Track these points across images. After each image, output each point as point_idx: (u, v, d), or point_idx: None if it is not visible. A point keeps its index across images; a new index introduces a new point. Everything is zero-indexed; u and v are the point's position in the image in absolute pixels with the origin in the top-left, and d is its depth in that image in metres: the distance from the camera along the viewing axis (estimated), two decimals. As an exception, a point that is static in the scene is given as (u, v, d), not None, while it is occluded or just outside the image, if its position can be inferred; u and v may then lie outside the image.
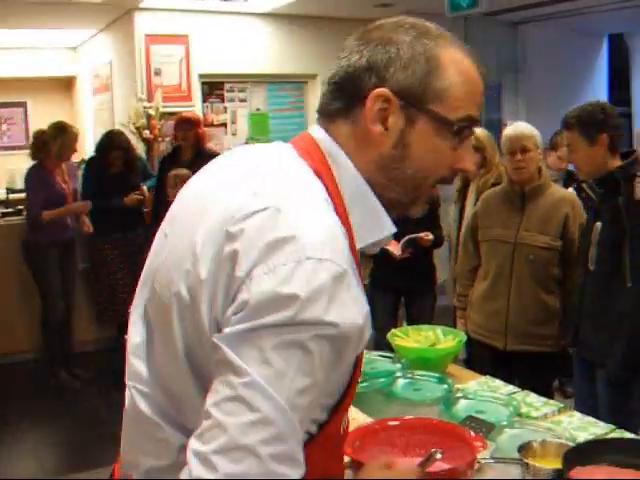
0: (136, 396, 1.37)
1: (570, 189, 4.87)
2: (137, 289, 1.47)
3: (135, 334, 1.41)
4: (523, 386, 2.94)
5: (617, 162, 3.40)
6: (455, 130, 1.33)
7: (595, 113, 3.38)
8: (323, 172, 1.31)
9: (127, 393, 1.41)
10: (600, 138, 3.35)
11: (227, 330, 1.14)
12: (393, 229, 1.38)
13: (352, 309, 1.17)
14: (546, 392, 2.99)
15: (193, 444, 1.12)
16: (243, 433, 1.09)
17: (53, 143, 6.42)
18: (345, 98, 1.35)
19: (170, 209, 1.45)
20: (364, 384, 2.74)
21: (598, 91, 10.78)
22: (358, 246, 1.32)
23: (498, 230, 3.99)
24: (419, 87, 1.30)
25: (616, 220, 3.33)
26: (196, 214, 1.30)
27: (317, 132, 1.38)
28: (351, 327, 1.16)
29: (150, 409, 1.34)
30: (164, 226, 1.43)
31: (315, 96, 8.77)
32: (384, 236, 1.37)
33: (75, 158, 8.23)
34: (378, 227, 1.35)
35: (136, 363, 1.38)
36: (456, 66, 1.33)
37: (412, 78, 1.30)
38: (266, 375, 1.11)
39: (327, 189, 1.28)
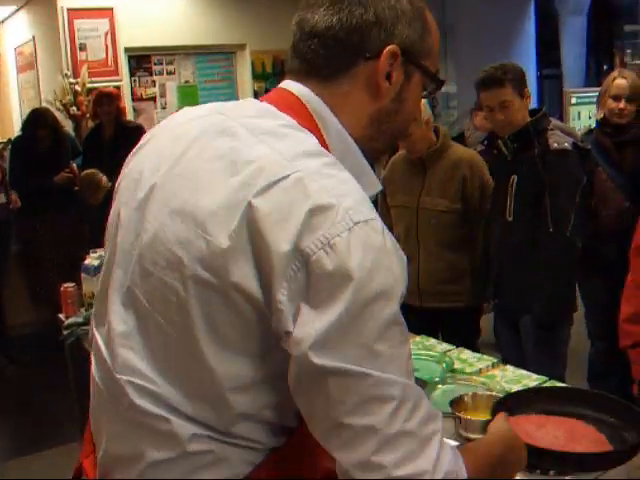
0: (132, 391, 1.25)
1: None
2: (105, 272, 1.36)
3: (118, 323, 1.28)
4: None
5: (527, 117, 3.52)
6: (432, 82, 1.38)
7: (516, 69, 3.49)
8: (311, 129, 1.27)
9: (112, 386, 1.30)
10: (526, 92, 3.49)
11: (312, 334, 1.09)
12: (380, 187, 1.39)
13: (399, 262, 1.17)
14: (472, 349, 3.03)
15: (342, 459, 1.12)
16: (389, 424, 1.10)
17: None
18: (346, 53, 1.30)
19: (132, 179, 1.34)
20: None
21: (526, 52, 10.90)
22: None
23: (402, 196, 4.04)
24: (419, 44, 1.33)
25: (532, 171, 3.43)
26: (192, 188, 1.21)
27: (297, 88, 1.33)
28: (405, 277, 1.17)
29: (153, 403, 1.23)
30: (133, 204, 1.30)
31: (244, 66, 8.71)
32: (372, 194, 1.31)
33: (1, 138, 8.07)
34: (365, 185, 1.25)
35: (127, 355, 1.26)
36: (433, 24, 1.38)
37: (414, 35, 1.32)
38: (381, 366, 1.11)
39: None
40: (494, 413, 1.76)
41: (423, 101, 4.12)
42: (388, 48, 1.28)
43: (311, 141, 1.24)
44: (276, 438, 1.25)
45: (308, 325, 1.09)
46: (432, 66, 1.36)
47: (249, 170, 1.16)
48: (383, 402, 1.11)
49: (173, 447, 1.22)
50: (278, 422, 1.24)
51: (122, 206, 1.34)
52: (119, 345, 1.27)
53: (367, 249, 1.10)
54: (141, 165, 1.34)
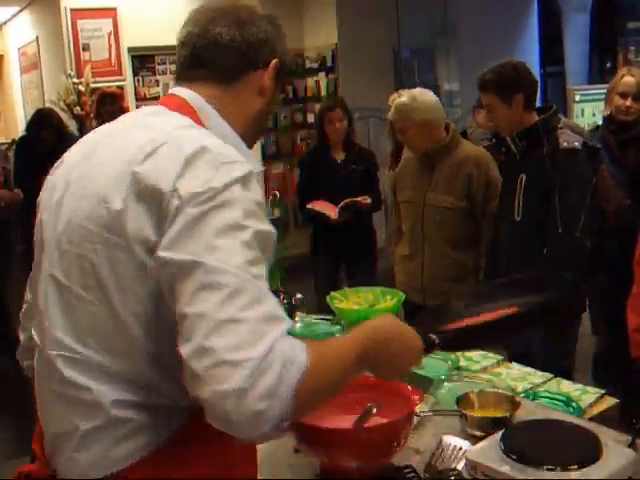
0: (61, 363, 1.41)
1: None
2: (35, 272, 1.60)
3: (43, 305, 1.48)
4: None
5: (534, 117, 3.47)
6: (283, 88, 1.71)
7: (508, 74, 3.44)
8: (196, 123, 1.51)
9: (45, 365, 1.48)
10: (516, 98, 3.42)
11: (167, 239, 1.30)
12: (261, 167, 1.69)
13: (260, 193, 1.39)
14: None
15: (183, 349, 1.23)
16: (219, 311, 1.23)
17: None
18: (242, 63, 1.59)
19: (50, 189, 1.56)
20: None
21: (530, 49, 10.88)
22: None
23: (410, 192, 4.05)
24: (286, 59, 1.67)
25: (541, 170, 3.39)
26: (94, 176, 1.45)
27: (184, 92, 1.59)
28: (259, 199, 1.38)
29: (80, 373, 1.39)
30: (51, 207, 1.52)
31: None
32: (259, 171, 1.53)
33: (6, 139, 8.07)
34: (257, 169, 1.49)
35: (54, 331, 1.44)
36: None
37: (285, 52, 1.67)
38: (217, 258, 1.26)
39: None
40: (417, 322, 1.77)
41: (436, 100, 4.11)
42: (274, 61, 1.62)
43: (186, 119, 1.50)
44: (186, 395, 1.29)
45: (163, 236, 1.31)
46: (285, 78, 1.73)
47: (134, 148, 1.41)
48: (214, 289, 1.24)
49: (97, 415, 1.38)
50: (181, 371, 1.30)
51: (42, 214, 1.56)
52: (47, 324, 1.45)
53: (229, 176, 1.34)
54: (55, 178, 1.57)
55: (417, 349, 1.61)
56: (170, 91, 1.64)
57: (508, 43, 10.36)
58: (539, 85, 3.59)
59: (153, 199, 1.33)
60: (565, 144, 3.36)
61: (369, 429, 1.79)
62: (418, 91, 3.98)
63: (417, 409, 2.05)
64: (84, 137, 1.65)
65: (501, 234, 3.66)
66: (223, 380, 1.19)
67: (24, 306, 1.79)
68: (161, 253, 1.29)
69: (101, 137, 1.57)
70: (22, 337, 1.80)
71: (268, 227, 1.36)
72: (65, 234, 1.45)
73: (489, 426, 2.02)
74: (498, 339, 1.92)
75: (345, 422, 1.93)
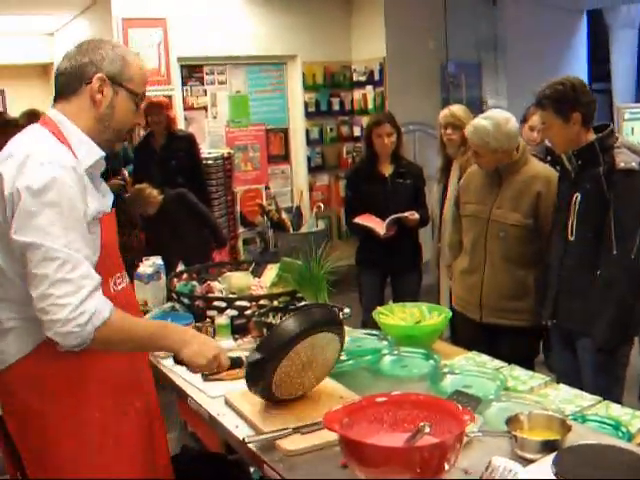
0: None
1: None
2: None
3: None
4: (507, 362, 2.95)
5: (591, 136, 3.42)
6: (138, 99, 2.33)
7: (566, 92, 3.39)
8: (56, 132, 2.23)
9: None
10: (573, 116, 3.38)
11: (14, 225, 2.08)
12: (102, 153, 2.30)
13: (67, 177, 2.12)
14: (528, 367, 2.99)
15: (33, 293, 2.07)
16: (56, 273, 2.04)
17: None
18: (72, 83, 2.27)
19: None
20: (351, 362, 2.75)
21: (578, 67, 10.79)
22: (85, 166, 2.22)
23: (475, 206, 4.01)
24: (119, 73, 2.28)
25: (597, 190, 3.34)
26: None
27: (50, 112, 2.30)
28: (62, 180, 2.10)
29: None
30: None
31: (295, 77, 8.75)
32: (97, 158, 2.28)
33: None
34: (93, 154, 2.27)
35: None
36: (135, 62, 2.33)
37: (116, 68, 2.27)
38: (52, 240, 2.04)
39: (59, 141, 2.21)
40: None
41: (516, 128, 4.07)
42: (97, 75, 2.25)
43: (37, 138, 2.22)
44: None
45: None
46: (134, 87, 2.31)
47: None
48: (52, 260, 2.04)
49: None
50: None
51: None
52: None
53: (41, 175, 2.08)
54: None
55: (211, 341, 2.45)
56: (48, 113, 2.33)
57: (556, 59, 10.29)
58: (594, 103, 3.52)
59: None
60: (622, 164, 3.29)
61: (421, 448, 1.79)
62: (502, 118, 3.90)
63: (466, 429, 2.04)
64: None
65: (554, 253, 3.61)
66: (54, 313, 2.02)
67: None
68: (13, 236, 2.07)
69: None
70: None
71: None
72: None
73: (539, 448, 2.01)
74: None
75: (394, 439, 1.93)
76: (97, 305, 2.07)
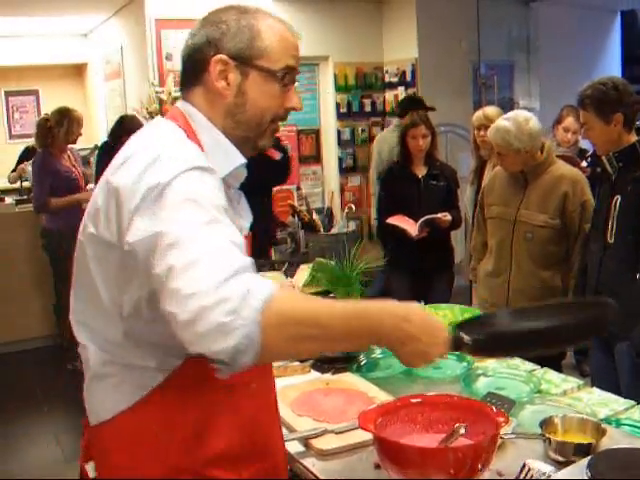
0: (75, 327, 1.78)
1: (583, 163, 4.85)
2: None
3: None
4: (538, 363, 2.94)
5: (633, 137, 3.39)
6: (279, 77, 1.76)
7: (608, 92, 3.36)
8: (186, 129, 1.73)
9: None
10: (615, 117, 3.35)
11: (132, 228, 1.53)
12: (243, 160, 1.77)
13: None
14: (555, 370, 2.97)
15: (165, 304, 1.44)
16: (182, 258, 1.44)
17: (58, 129, 6.46)
18: (194, 69, 1.77)
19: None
20: (389, 370, 2.76)
21: (611, 68, 10.71)
22: (220, 175, 1.68)
23: (500, 208, 4.01)
24: (246, 49, 1.73)
25: (637, 193, 3.32)
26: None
27: (179, 103, 1.82)
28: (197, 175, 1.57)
29: (82, 332, 1.75)
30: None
31: (327, 78, 8.75)
32: (236, 165, 1.76)
33: (87, 144, 8.22)
34: (230, 160, 1.75)
35: (71, 301, 1.81)
36: (271, 30, 1.76)
37: (240, 43, 1.73)
38: (178, 229, 1.46)
39: (190, 139, 1.70)
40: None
41: (538, 128, 4.05)
42: (214, 58, 1.72)
43: (160, 134, 1.73)
44: (165, 359, 1.65)
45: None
46: (270, 62, 1.75)
47: (118, 159, 1.70)
48: (177, 249, 1.44)
49: (88, 369, 1.73)
50: (161, 340, 1.59)
51: None
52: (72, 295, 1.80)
53: (170, 170, 1.55)
54: None
55: (441, 338, 1.61)
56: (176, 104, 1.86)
57: (589, 60, 10.23)
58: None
59: (118, 203, 1.59)
60: None
61: (455, 449, 1.79)
62: (523, 118, 3.92)
63: (500, 431, 2.04)
64: None
65: (592, 257, 3.58)
66: (194, 301, 1.38)
67: None
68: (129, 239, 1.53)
69: None
70: None
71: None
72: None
73: (574, 452, 2.00)
74: (532, 348, 1.83)
75: (428, 440, 1.93)
76: (249, 283, 1.43)
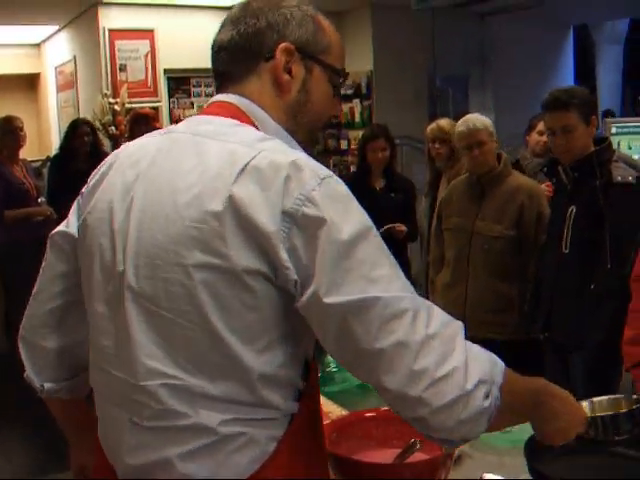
0: (164, 394, 1.33)
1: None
2: (90, 290, 1.47)
3: (132, 334, 1.35)
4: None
5: (592, 147, 3.40)
6: (340, 77, 1.54)
7: (585, 94, 3.43)
8: (248, 123, 1.44)
9: (131, 400, 1.37)
10: (592, 119, 3.37)
11: (316, 280, 1.24)
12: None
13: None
14: None
15: (390, 384, 1.25)
16: (414, 333, 1.25)
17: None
18: (249, 57, 1.47)
19: (111, 212, 1.43)
20: (344, 383, 2.74)
21: (564, 82, 10.86)
22: None
23: (457, 219, 4.02)
24: (312, 41, 1.48)
25: (592, 203, 3.32)
26: (168, 193, 1.34)
27: (230, 98, 1.48)
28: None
29: (178, 399, 1.33)
30: (108, 232, 1.42)
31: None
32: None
33: (40, 155, 8.11)
34: None
35: (151, 361, 1.34)
36: (329, 28, 1.53)
37: (306, 34, 1.47)
38: (384, 289, 1.26)
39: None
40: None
41: (488, 122, 4.05)
42: (281, 45, 1.44)
43: (256, 131, 1.42)
44: (290, 402, 1.37)
45: (310, 272, 1.25)
46: (332, 61, 1.51)
47: (216, 162, 1.32)
48: (400, 317, 1.25)
49: (202, 437, 1.32)
50: (289, 382, 1.37)
51: (98, 238, 1.44)
52: (137, 354, 1.34)
53: (337, 198, 1.29)
54: (109, 195, 1.45)
55: (580, 415, 1.54)
56: (212, 100, 1.53)
57: (542, 74, 10.36)
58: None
59: (253, 226, 1.26)
60: (619, 178, 3.28)
61: (411, 464, 1.76)
62: (475, 114, 4.06)
63: (457, 445, 2.01)
64: (123, 151, 1.55)
65: (547, 266, 3.58)
66: (443, 395, 1.24)
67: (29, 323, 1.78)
68: (326, 300, 1.24)
69: (154, 152, 1.44)
70: (38, 356, 1.78)
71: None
72: (142, 258, 1.35)
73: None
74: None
75: (384, 456, 1.90)
76: (480, 353, 1.36)
